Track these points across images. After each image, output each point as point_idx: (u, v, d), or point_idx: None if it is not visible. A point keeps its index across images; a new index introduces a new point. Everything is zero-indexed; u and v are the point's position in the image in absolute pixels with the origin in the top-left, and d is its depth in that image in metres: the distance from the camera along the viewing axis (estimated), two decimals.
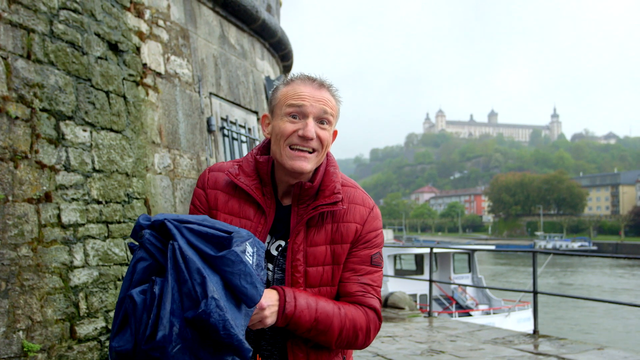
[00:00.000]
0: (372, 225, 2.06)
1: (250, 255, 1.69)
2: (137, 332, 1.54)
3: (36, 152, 3.67)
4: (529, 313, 19.07)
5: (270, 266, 2.00)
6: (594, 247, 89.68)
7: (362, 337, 1.97)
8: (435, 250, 20.06)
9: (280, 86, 2.02)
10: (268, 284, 1.99)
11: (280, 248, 2.01)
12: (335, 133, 2.09)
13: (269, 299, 1.81)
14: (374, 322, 2.02)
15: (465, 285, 18.48)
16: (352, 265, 2.02)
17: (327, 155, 2.09)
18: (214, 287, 1.56)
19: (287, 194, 2.05)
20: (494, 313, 20.32)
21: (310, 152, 1.95)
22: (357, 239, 2.02)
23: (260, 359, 1.98)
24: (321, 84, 1.99)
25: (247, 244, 1.69)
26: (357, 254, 2.03)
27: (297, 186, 1.99)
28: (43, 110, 3.75)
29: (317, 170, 2.04)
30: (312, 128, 1.91)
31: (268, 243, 2.01)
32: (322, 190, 2.00)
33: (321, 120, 1.95)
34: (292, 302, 1.84)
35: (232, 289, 1.62)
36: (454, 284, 13.85)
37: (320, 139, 1.94)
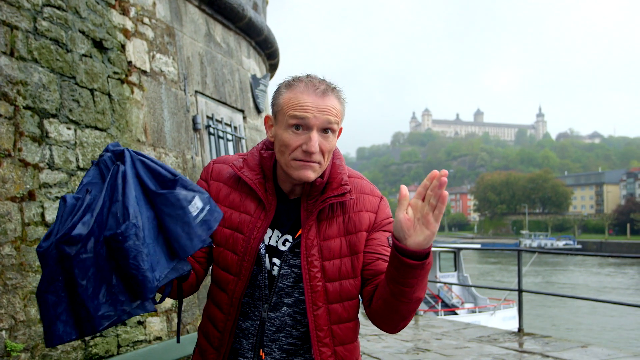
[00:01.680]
0: (385, 213, 2.07)
1: (197, 209, 1.68)
2: (58, 231, 1.53)
3: (19, 150, 3.64)
4: (514, 311, 19.20)
5: (277, 261, 1.98)
6: (579, 246, 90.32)
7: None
8: None
9: (282, 90, 1.97)
10: (273, 280, 1.98)
11: (287, 243, 1.99)
12: (340, 130, 2.03)
13: None
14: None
15: (451, 284, 18.52)
16: (377, 247, 2.01)
17: (333, 153, 2.08)
18: (140, 217, 1.56)
19: (292, 191, 2.04)
20: (479, 311, 20.44)
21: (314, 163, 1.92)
22: (372, 226, 2.02)
23: (264, 354, 1.97)
24: (325, 90, 1.93)
25: (197, 197, 1.69)
26: (377, 236, 2.02)
27: (307, 184, 1.98)
28: (26, 107, 3.72)
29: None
30: (315, 143, 1.87)
31: (269, 237, 2.00)
32: (329, 183, 2.00)
33: (325, 130, 1.91)
34: None
35: (165, 231, 1.63)
36: (439, 282, 13.91)
37: (322, 151, 1.90)
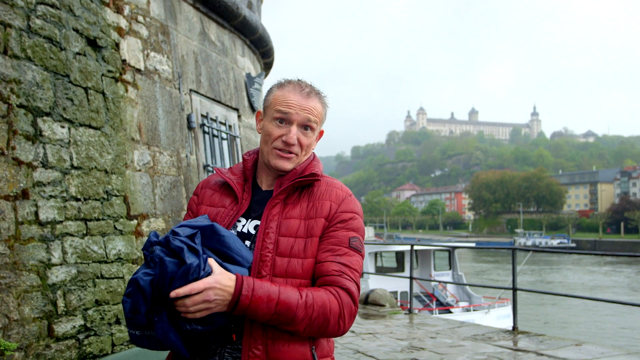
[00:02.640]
0: (348, 206, 2.14)
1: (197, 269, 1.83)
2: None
3: (13, 148, 3.62)
4: (508, 310, 19.24)
5: (248, 243, 2.09)
6: (573, 244, 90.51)
7: (333, 323, 1.94)
8: (416, 247, 20.08)
9: (274, 89, 2.21)
10: None
11: (257, 227, 2.11)
12: (321, 133, 2.29)
13: (221, 282, 1.83)
14: (348, 306, 1.98)
15: (446, 283, 18.53)
16: (330, 246, 2.05)
17: (312, 155, 2.29)
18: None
19: (270, 183, 2.22)
20: (474, 310, 20.46)
21: (291, 153, 2.14)
22: (332, 216, 2.10)
23: (235, 336, 1.99)
24: (309, 93, 2.17)
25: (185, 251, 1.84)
26: (334, 234, 2.07)
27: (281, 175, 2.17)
28: (20, 106, 3.71)
29: (302, 163, 2.21)
30: (294, 135, 2.11)
31: (243, 225, 2.13)
32: (302, 173, 2.16)
33: (305, 127, 2.15)
34: (248, 290, 1.84)
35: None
36: (434, 281, 13.96)
37: (300, 144, 2.14)
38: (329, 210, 2.10)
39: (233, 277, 1.85)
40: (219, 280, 1.82)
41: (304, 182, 2.14)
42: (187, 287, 1.76)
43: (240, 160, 2.33)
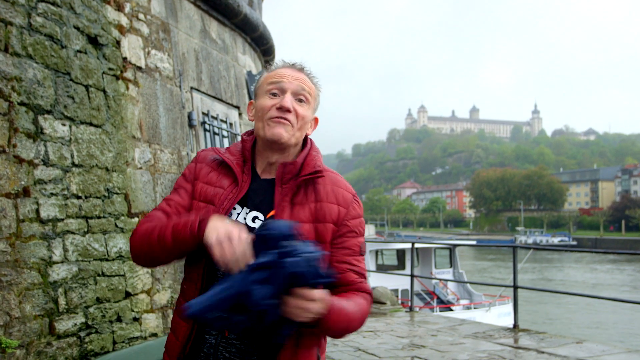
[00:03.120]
0: (355, 211, 2.13)
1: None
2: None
3: (14, 146, 3.63)
4: (509, 307, 19.24)
5: None
6: (574, 242, 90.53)
7: (360, 325, 2.04)
8: (416, 245, 20.10)
9: (263, 73, 2.18)
10: None
11: (257, 221, 2.05)
12: (316, 120, 2.22)
13: (327, 298, 1.83)
14: (370, 306, 2.10)
15: (447, 280, 18.53)
16: (345, 257, 2.07)
17: (310, 142, 2.20)
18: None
19: (267, 170, 2.14)
20: (474, 308, 20.47)
21: (286, 121, 2.05)
22: (341, 222, 2.07)
23: (227, 332, 1.99)
24: (300, 68, 2.14)
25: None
26: (347, 244, 2.08)
27: (280, 165, 2.07)
28: (21, 104, 3.71)
29: (299, 153, 2.14)
30: (289, 99, 2.04)
31: (237, 214, 2.06)
32: (303, 168, 2.08)
33: (299, 98, 2.08)
34: (332, 306, 1.85)
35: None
36: (435, 279, 13.97)
37: (297, 113, 2.06)
38: (337, 215, 2.07)
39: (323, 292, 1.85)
40: (326, 297, 1.82)
41: (308, 178, 2.08)
42: (309, 292, 1.75)
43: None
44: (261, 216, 2.05)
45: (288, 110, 2.04)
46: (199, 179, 2.15)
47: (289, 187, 2.05)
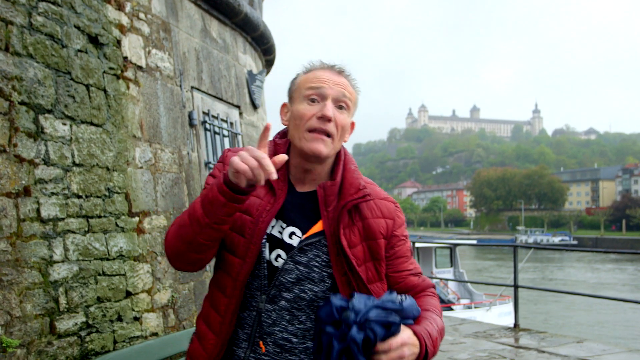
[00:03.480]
0: (401, 219, 2.11)
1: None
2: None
3: (15, 145, 3.63)
4: (510, 307, 19.22)
5: (282, 253, 1.96)
6: (575, 242, 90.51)
7: None
8: (417, 244, 20.06)
9: (300, 74, 2.06)
10: (273, 271, 1.96)
11: (295, 237, 1.97)
12: (352, 125, 2.10)
13: (412, 338, 1.80)
14: (438, 297, 2.12)
15: (447, 280, 18.53)
16: (403, 264, 2.08)
17: (345, 153, 2.10)
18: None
19: (301, 180, 2.05)
20: (475, 307, 20.45)
21: (327, 137, 1.94)
22: (390, 234, 2.04)
23: (264, 346, 1.96)
24: (340, 71, 2.02)
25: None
26: (400, 252, 2.08)
27: (320, 188, 1.98)
28: (22, 103, 3.71)
29: (336, 167, 2.05)
30: (330, 108, 1.93)
31: (272, 227, 1.98)
32: (345, 188, 1.99)
33: (339, 105, 1.97)
34: (428, 339, 1.84)
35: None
36: (435, 278, 13.94)
37: (337, 123, 1.95)
38: (386, 228, 2.03)
39: (409, 330, 1.81)
40: (410, 336, 1.79)
41: (357, 202, 1.98)
42: (387, 343, 1.72)
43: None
44: (299, 232, 1.98)
45: (329, 120, 1.93)
46: None
47: (335, 211, 1.96)
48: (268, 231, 1.97)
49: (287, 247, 1.97)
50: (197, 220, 1.85)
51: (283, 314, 1.95)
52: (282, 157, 1.74)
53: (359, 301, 1.82)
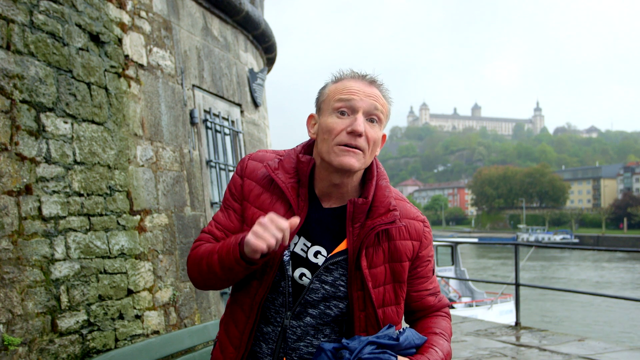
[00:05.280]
0: (428, 240, 2.04)
1: None
2: None
3: (16, 144, 3.63)
4: (511, 305, 19.21)
5: (307, 272, 1.92)
6: (576, 240, 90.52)
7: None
8: None
9: (328, 84, 1.95)
10: (298, 288, 1.93)
11: (320, 256, 1.92)
12: (384, 137, 1.98)
13: None
14: (450, 319, 2.11)
15: (449, 278, 18.55)
16: (424, 285, 2.06)
17: (377, 167, 2.01)
18: None
19: (328, 195, 1.96)
20: (476, 305, 20.46)
21: (358, 150, 1.85)
22: (417, 256, 2.00)
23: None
24: (372, 81, 1.92)
25: None
26: (423, 272, 2.05)
27: (350, 203, 1.90)
28: (23, 101, 3.71)
29: (367, 183, 1.96)
30: (361, 123, 1.82)
31: (294, 244, 1.92)
32: (375, 207, 1.92)
33: (371, 118, 1.87)
34: None
35: None
36: (437, 276, 13.92)
37: (368, 138, 1.85)
38: (412, 251, 1.97)
39: None
40: None
41: (385, 228, 1.90)
42: None
43: (244, 155, 2.04)
44: (324, 251, 1.93)
45: (360, 135, 1.83)
46: (250, 201, 1.96)
47: (362, 230, 1.89)
48: (291, 248, 1.92)
49: (312, 266, 1.92)
50: (215, 274, 1.88)
51: (308, 329, 1.93)
52: (295, 221, 1.73)
53: (354, 339, 1.82)
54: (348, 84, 1.88)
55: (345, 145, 1.83)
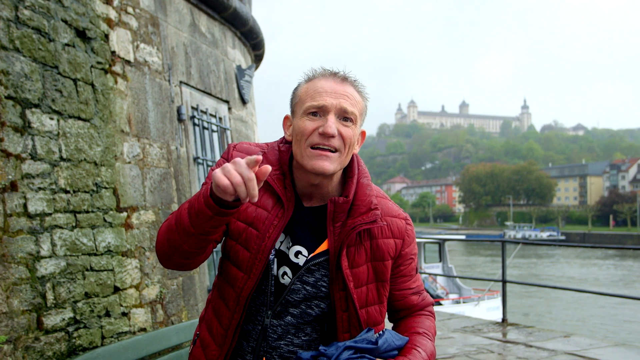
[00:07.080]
0: (411, 237, 2.01)
1: None
2: None
3: (1, 140, 3.60)
4: (498, 302, 19.36)
5: (288, 271, 1.90)
6: (563, 237, 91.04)
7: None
8: None
9: (301, 84, 1.91)
10: (279, 288, 1.90)
11: (301, 256, 1.90)
12: (363, 134, 1.96)
13: None
14: (434, 318, 2.11)
15: (436, 275, 18.60)
16: (407, 284, 2.04)
17: (358, 164, 1.98)
18: None
19: (308, 195, 1.93)
20: (463, 302, 20.58)
21: (332, 152, 1.81)
22: (399, 254, 1.98)
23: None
24: (344, 79, 1.88)
25: None
26: (405, 270, 2.02)
27: (330, 202, 1.87)
28: (8, 97, 3.68)
29: (348, 181, 1.93)
30: (332, 124, 1.79)
31: (280, 242, 1.90)
32: (356, 206, 1.89)
33: (344, 117, 1.83)
34: None
35: None
36: (424, 273, 13.96)
37: (342, 137, 1.81)
38: (395, 249, 1.95)
39: None
40: None
41: (366, 227, 1.87)
42: None
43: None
44: (305, 252, 1.91)
45: (332, 136, 1.79)
46: None
47: (343, 230, 1.86)
48: (277, 246, 1.90)
49: (293, 266, 1.91)
50: (183, 228, 1.75)
51: (289, 328, 1.92)
52: (266, 169, 1.57)
53: (331, 345, 1.81)
54: (319, 84, 1.85)
55: (318, 146, 1.80)
